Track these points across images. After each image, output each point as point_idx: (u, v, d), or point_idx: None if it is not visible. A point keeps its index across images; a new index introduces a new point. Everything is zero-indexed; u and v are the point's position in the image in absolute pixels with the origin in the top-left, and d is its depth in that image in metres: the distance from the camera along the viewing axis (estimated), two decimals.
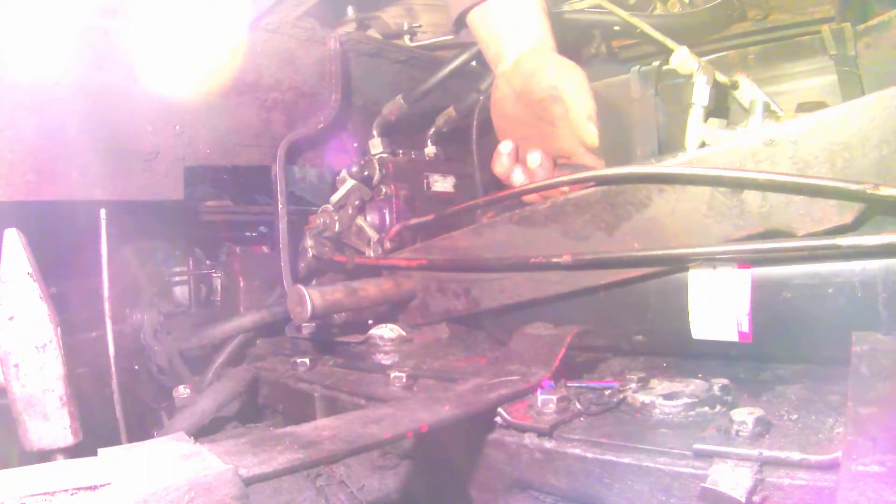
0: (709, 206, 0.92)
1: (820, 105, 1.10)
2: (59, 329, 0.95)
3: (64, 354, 0.95)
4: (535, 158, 1.20)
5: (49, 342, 0.95)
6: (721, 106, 1.42)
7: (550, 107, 1.20)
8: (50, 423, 0.93)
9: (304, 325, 1.36)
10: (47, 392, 0.94)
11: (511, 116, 1.28)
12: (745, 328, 0.92)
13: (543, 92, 1.18)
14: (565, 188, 1.08)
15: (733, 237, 0.90)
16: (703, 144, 1.37)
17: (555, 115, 1.20)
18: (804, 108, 1.12)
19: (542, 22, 1.25)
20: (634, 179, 0.99)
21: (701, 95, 1.34)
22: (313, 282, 1.45)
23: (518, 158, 1.25)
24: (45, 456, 0.92)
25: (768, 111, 1.26)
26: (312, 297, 1.16)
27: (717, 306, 0.94)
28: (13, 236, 0.95)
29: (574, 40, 1.73)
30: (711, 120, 1.36)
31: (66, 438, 0.94)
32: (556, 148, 1.25)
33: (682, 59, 1.34)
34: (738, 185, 0.89)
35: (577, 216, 1.04)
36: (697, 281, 0.96)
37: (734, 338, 0.93)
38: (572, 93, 1.15)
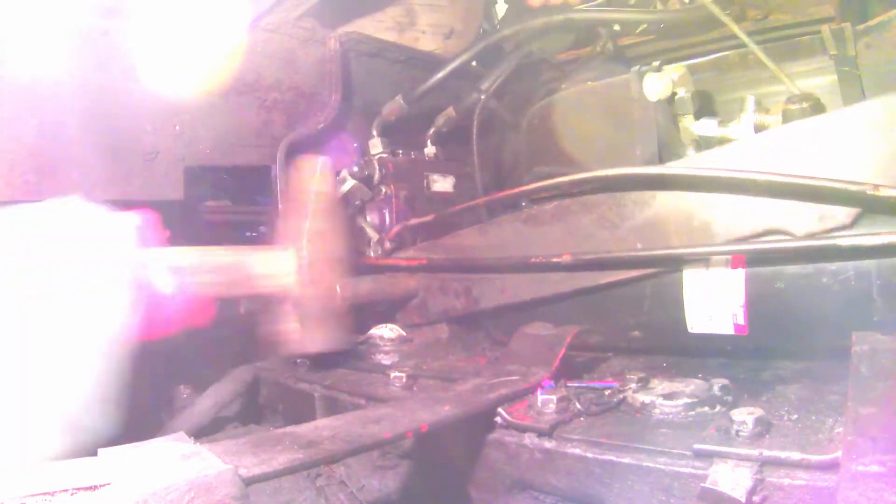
0: (709, 204, 0.92)
1: (808, 98, 1.10)
2: None
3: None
4: None
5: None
6: (709, 107, 1.42)
7: None
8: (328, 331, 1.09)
9: None
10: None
11: None
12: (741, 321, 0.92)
13: None
14: None
15: (734, 237, 0.90)
16: (698, 146, 1.37)
17: None
18: (793, 100, 1.11)
19: None
20: (634, 180, 1.00)
21: (684, 106, 1.35)
22: None
23: None
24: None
25: (760, 107, 1.26)
26: None
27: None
28: None
29: (583, 38, 1.74)
30: (703, 120, 1.36)
31: (342, 344, 1.10)
32: None
33: (652, 85, 1.33)
34: (738, 186, 0.89)
35: (583, 215, 1.05)
36: (693, 280, 0.96)
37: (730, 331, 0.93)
38: None
